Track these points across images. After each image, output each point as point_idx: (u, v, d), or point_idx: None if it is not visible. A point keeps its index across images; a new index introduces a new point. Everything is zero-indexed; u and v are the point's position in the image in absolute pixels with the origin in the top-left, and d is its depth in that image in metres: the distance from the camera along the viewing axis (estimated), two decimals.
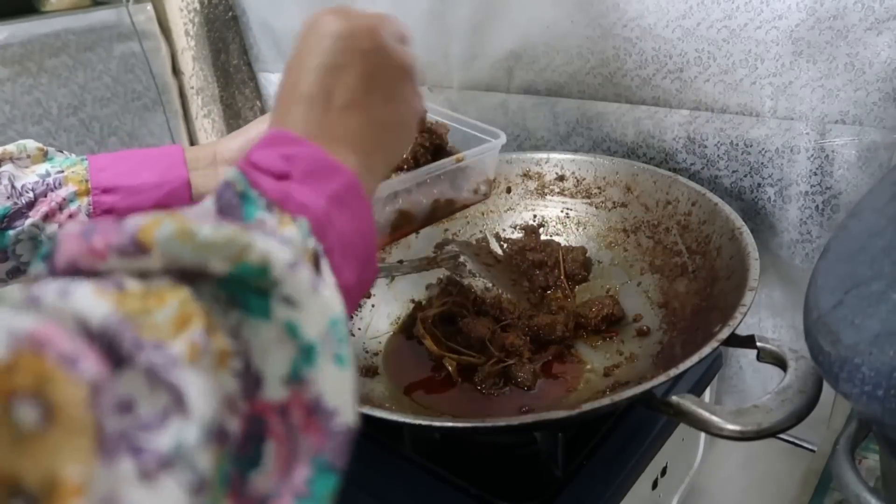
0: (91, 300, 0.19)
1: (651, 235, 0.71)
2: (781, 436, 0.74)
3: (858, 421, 0.36)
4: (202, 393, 0.19)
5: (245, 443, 0.21)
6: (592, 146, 0.82)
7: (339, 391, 0.22)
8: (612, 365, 0.62)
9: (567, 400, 0.59)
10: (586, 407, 0.43)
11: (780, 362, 0.46)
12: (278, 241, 0.23)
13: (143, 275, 0.21)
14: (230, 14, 1.18)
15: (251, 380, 0.21)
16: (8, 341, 0.16)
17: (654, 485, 0.61)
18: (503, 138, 0.52)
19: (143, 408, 0.18)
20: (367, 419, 0.50)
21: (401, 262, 0.72)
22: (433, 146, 0.51)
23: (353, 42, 0.33)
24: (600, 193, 0.76)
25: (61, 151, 0.50)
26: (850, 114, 0.61)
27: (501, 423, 0.45)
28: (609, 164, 0.76)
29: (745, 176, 0.70)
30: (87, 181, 0.47)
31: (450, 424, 0.45)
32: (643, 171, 0.73)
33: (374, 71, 0.34)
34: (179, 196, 0.48)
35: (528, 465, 0.56)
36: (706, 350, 0.45)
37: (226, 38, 1.19)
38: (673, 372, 0.44)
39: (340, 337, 0.23)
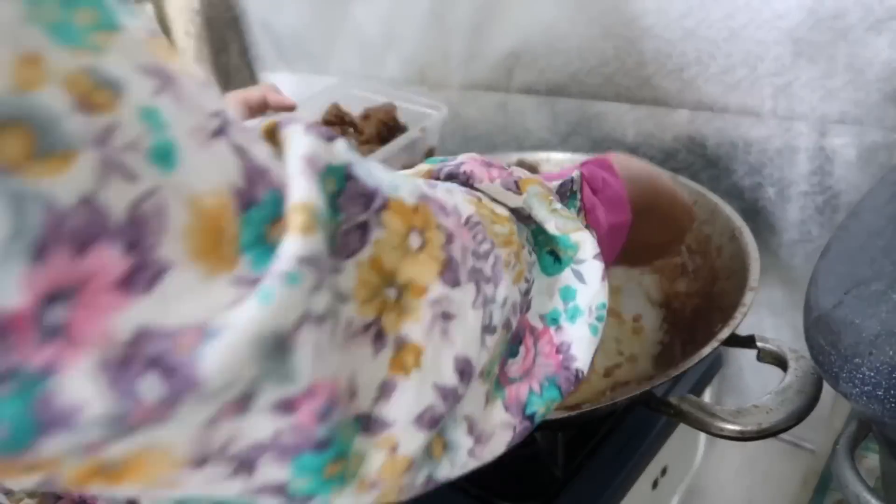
0: (461, 201, 0.27)
1: None
2: (781, 436, 0.74)
3: (858, 421, 0.36)
4: (507, 287, 0.27)
5: (513, 338, 0.29)
6: (592, 146, 0.82)
7: (584, 347, 0.30)
8: (612, 365, 0.62)
9: (567, 400, 0.59)
10: (586, 407, 0.43)
11: (780, 362, 0.46)
12: (591, 238, 0.31)
13: (501, 204, 0.30)
14: (230, 14, 1.18)
15: (525, 302, 0.29)
16: (415, 194, 0.24)
17: (654, 485, 0.61)
18: (445, 110, 0.60)
19: (481, 262, 0.26)
20: None
21: None
22: (391, 124, 0.59)
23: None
24: None
25: None
26: (850, 114, 0.61)
27: None
28: None
29: (745, 176, 0.70)
30: None
31: None
32: None
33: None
34: None
35: (528, 465, 0.56)
36: (706, 350, 0.45)
37: (226, 38, 1.19)
38: (673, 372, 0.44)
39: (601, 315, 0.30)
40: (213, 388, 0.16)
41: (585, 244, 0.30)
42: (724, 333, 0.46)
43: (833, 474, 0.35)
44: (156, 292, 0.16)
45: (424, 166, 0.31)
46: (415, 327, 0.22)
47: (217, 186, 0.17)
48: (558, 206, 0.31)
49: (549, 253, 0.31)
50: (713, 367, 0.67)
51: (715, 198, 0.64)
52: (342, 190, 0.21)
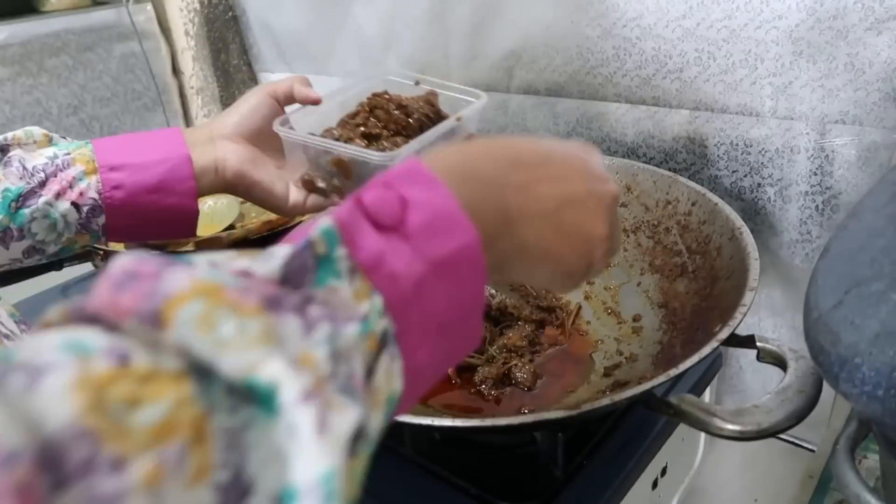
0: (60, 395, 0.17)
1: (651, 235, 0.71)
2: (781, 436, 0.74)
3: (858, 421, 0.36)
4: None
5: None
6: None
7: None
8: (612, 365, 0.62)
9: (567, 400, 0.59)
10: (586, 407, 0.43)
11: (780, 362, 0.46)
12: (295, 368, 0.20)
13: (157, 347, 0.19)
14: (230, 14, 1.18)
15: (237, 491, 0.19)
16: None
17: (654, 485, 0.61)
18: (485, 97, 0.57)
19: None
20: None
21: None
22: (434, 114, 0.56)
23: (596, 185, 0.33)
24: None
25: (64, 137, 0.53)
26: (850, 114, 0.61)
27: (501, 423, 0.45)
28: (609, 164, 0.76)
29: (745, 176, 0.70)
30: (93, 161, 0.49)
31: (450, 424, 0.45)
32: (643, 171, 0.73)
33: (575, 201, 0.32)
34: (181, 171, 0.51)
35: (528, 465, 0.56)
36: (706, 350, 0.45)
37: (226, 38, 1.19)
38: (673, 372, 0.44)
39: (329, 493, 0.19)
40: None
41: (281, 379, 0.20)
42: (724, 333, 0.46)
43: (833, 474, 0.35)
44: None
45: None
46: None
47: None
48: (230, 328, 0.20)
49: (255, 401, 0.20)
50: (713, 367, 0.67)
51: (715, 198, 0.64)
52: None
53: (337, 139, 0.53)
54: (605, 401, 0.44)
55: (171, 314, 0.19)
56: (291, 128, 0.55)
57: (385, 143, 0.55)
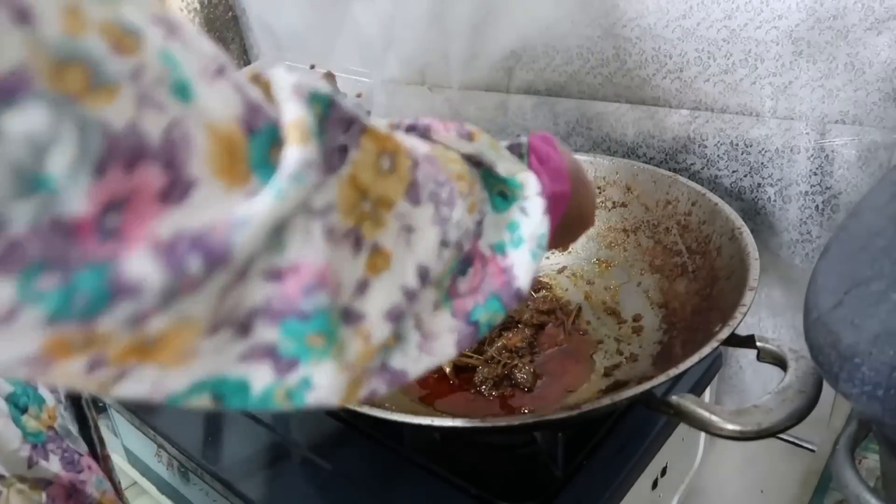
0: (418, 143, 0.30)
1: (651, 235, 0.71)
2: (781, 436, 0.74)
3: (858, 421, 0.36)
4: (462, 212, 0.30)
5: (465, 259, 0.32)
6: (592, 146, 0.82)
7: (525, 269, 0.33)
8: (612, 365, 0.62)
9: (567, 400, 0.59)
10: (586, 407, 0.43)
11: (780, 362, 0.46)
12: (535, 178, 0.34)
13: (455, 150, 0.33)
14: (230, 14, 1.18)
15: (478, 231, 0.33)
16: (385, 126, 0.28)
17: (654, 485, 0.61)
18: (378, 79, 0.64)
19: (437, 189, 0.29)
20: (367, 419, 0.50)
21: None
22: None
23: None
24: (600, 193, 0.76)
25: None
26: (850, 114, 0.61)
27: (501, 423, 0.45)
28: (609, 164, 0.76)
29: (745, 176, 0.70)
30: None
31: (450, 424, 0.45)
32: (643, 171, 0.73)
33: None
34: None
35: (528, 465, 0.56)
36: (706, 350, 0.45)
37: (226, 38, 1.19)
38: (673, 372, 0.44)
39: (541, 244, 0.34)
40: (239, 261, 0.20)
41: (529, 183, 0.34)
42: (724, 333, 0.46)
43: (833, 474, 0.35)
44: (186, 203, 0.19)
45: (384, 121, 0.34)
46: (385, 236, 0.26)
47: (227, 116, 0.20)
48: (505, 153, 0.34)
49: (499, 194, 0.34)
50: (713, 367, 0.67)
51: (715, 198, 0.64)
52: (326, 115, 0.24)
53: None
54: (605, 401, 0.44)
55: (476, 136, 0.33)
56: None
57: None
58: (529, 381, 0.60)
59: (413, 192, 0.27)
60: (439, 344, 0.30)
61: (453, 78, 0.90)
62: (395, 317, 0.27)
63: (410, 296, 0.27)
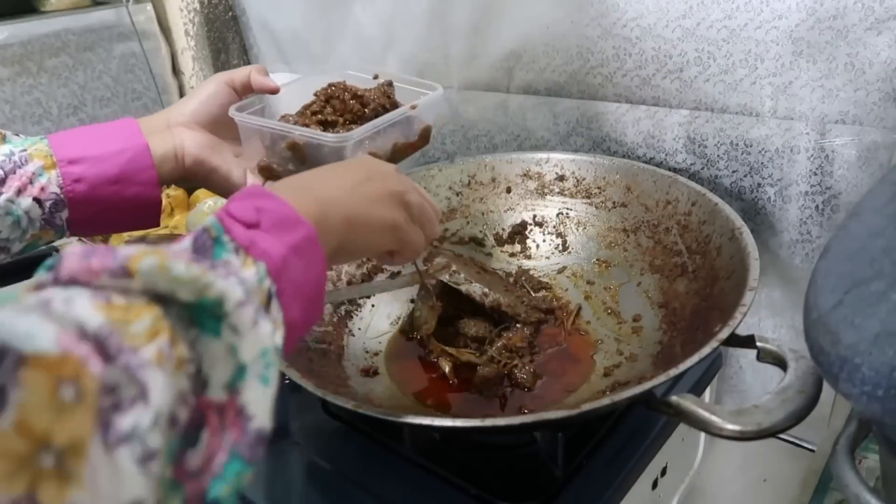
0: (88, 310, 0.24)
1: (651, 235, 0.71)
2: (781, 436, 0.74)
3: (858, 421, 0.36)
4: (162, 388, 0.24)
5: (189, 427, 0.26)
6: (592, 146, 0.82)
7: (259, 402, 0.29)
8: (612, 365, 0.62)
9: (567, 400, 0.59)
10: (586, 407, 0.43)
11: (780, 362, 0.46)
12: (236, 281, 0.29)
13: (126, 292, 0.27)
14: (230, 14, 1.18)
15: (200, 382, 0.27)
16: (54, 339, 0.22)
17: (654, 485, 0.61)
18: (441, 89, 0.61)
19: (121, 395, 0.23)
20: (367, 419, 0.50)
21: (393, 275, 0.72)
22: (391, 105, 0.59)
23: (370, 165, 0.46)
24: (600, 193, 0.76)
25: (17, 135, 0.52)
26: (850, 114, 0.61)
27: (501, 423, 0.45)
28: (609, 164, 0.76)
29: (745, 176, 0.70)
30: (51, 156, 0.49)
31: (450, 424, 0.45)
32: (643, 171, 0.73)
33: (369, 174, 0.44)
34: (141, 160, 0.51)
35: (528, 465, 0.56)
36: (706, 350, 0.45)
37: (226, 38, 1.19)
38: (673, 372, 0.44)
39: (268, 362, 0.29)
40: None
41: (226, 293, 0.28)
42: (724, 333, 0.46)
43: (833, 474, 0.35)
44: None
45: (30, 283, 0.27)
46: (82, 497, 0.20)
47: None
48: (181, 268, 0.27)
49: (211, 316, 0.28)
50: (713, 367, 0.67)
51: (715, 198, 0.64)
52: None
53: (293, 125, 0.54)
54: (605, 401, 0.43)
55: (135, 266, 0.27)
56: (248, 114, 0.55)
57: (341, 130, 0.56)
58: (530, 381, 0.60)
59: (103, 417, 0.22)
60: None
61: (453, 78, 0.90)
62: None
63: None
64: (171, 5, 1.12)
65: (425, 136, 0.62)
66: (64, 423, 0.20)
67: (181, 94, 1.19)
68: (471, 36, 0.85)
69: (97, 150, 0.50)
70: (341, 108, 0.57)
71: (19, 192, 0.48)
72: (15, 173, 0.48)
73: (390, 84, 0.60)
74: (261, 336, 0.29)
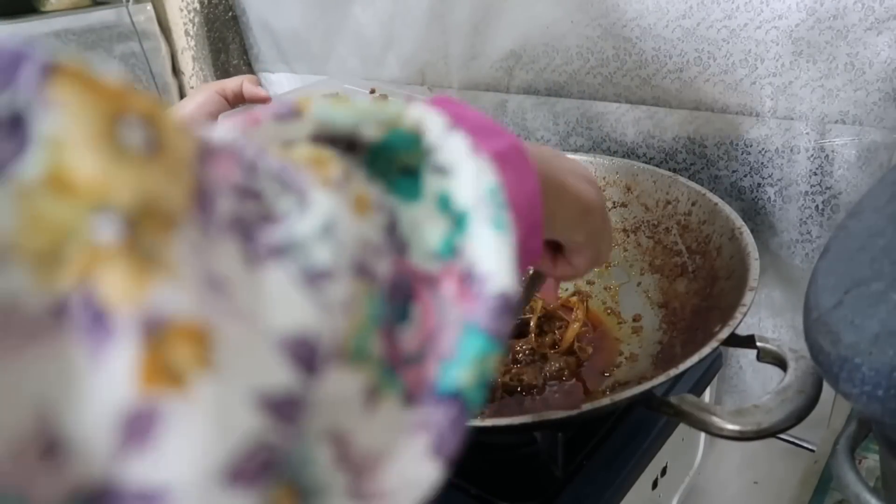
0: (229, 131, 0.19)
1: (651, 235, 0.71)
2: (781, 436, 0.74)
3: (858, 421, 0.36)
4: (325, 208, 0.18)
5: (393, 293, 0.19)
6: (592, 146, 0.82)
7: (493, 254, 0.20)
8: (612, 365, 0.61)
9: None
10: (586, 407, 0.43)
11: (780, 362, 0.46)
12: (433, 109, 0.22)
13: (289, 145, 0.20)
14: (230, 14, 1.18)
15: (396, 242, 0.20)
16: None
17: (654, 485, 0.61)
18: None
19: (266, 201, 0.17)
20: None
21: None
22: None
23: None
24: None
25: None
26: (850, 114, 0.61)
27: (501, 423, 0.45)
28: (609, 164, 0.76)
29: (745, 176, 0.70)
30: None
31: None
32: (643, 171, 0.73)
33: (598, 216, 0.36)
34: None
35: (528, 465, 0.56)
36: (706, 350, 0.45)
37: (226, 38, 1.19)
38: (673, 372, 0.44)
39: (499, 202, 0.21)
40: None
41: (425, 122, 0.22)
42: (724, 333, 0.46)
43: (833, 474, 0.35)
44: None
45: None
46: (178, 294, 0.13)
47: None
48: (366, 103, 0.21)
49: (400, 171, 0.22)
50: (713, 367, 0.67)
51: (715, 198, 0.64)
52: None
53: None
54: (605, 401, 0.43)
55: (307, 103, 0.21)
56: None
57: None
58: (538, 382, 0.60)
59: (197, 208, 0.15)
60: (393, 475, 0.18)
61: (453, 78, 0.90)
62: (255, 471, 0.14)
63: (282, 408, 0.14)
64: (171, 5, 1.12)
65: None
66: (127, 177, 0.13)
67: (181, 95, 1.19)
68: (471, 36, 0.85)
69: None
70: None
71: None
72: None
73: (386, 98, 0.60)
74: (484, 168, 0.21)
